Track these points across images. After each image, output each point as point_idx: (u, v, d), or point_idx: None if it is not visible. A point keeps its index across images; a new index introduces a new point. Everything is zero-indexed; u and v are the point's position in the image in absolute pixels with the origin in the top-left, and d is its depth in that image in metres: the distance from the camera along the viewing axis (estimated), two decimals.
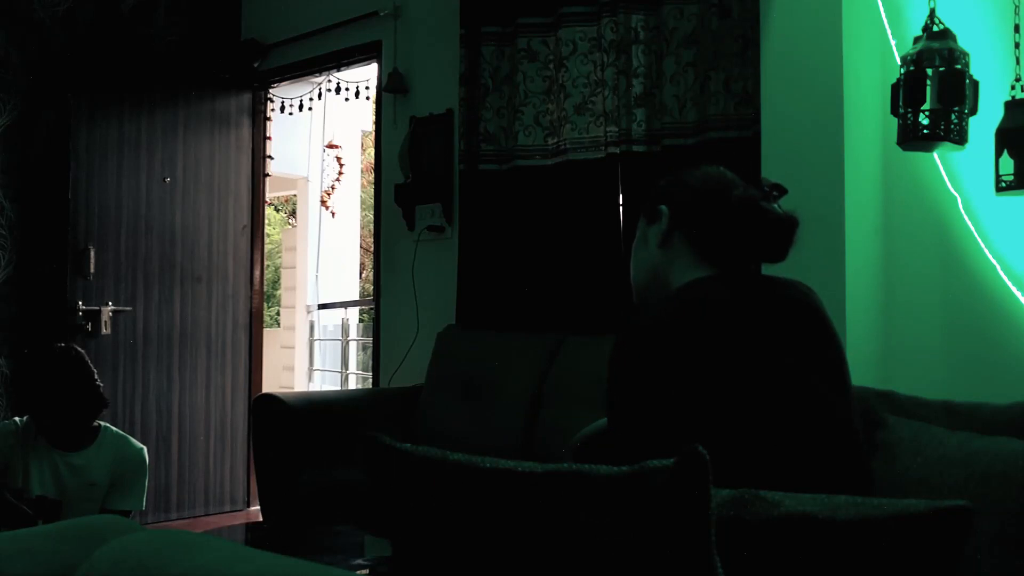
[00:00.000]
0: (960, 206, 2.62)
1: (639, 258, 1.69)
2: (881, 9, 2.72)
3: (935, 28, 2.44)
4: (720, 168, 1.67)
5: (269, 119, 5.06)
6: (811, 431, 1.41)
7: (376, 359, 4.37)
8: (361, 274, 9.61)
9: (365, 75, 4.79)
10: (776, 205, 1.58)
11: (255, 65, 4.91)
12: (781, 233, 1.56)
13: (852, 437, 1.46)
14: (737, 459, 1.26)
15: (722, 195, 1.59)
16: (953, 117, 2.39)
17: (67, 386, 2.88)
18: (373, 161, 5.46)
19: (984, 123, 2.47)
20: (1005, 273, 2.54)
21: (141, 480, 2.98)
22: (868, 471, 1.48)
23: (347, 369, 6.74)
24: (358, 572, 2.15)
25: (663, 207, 1.62)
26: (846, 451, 1.44)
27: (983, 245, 2.58)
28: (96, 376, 2.95)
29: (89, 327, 4.32)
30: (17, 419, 2.94)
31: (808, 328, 1.51)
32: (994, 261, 2.56)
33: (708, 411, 1.39)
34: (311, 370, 6.80)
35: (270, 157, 5.11)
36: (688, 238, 1.60)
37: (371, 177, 6.39)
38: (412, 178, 4.12)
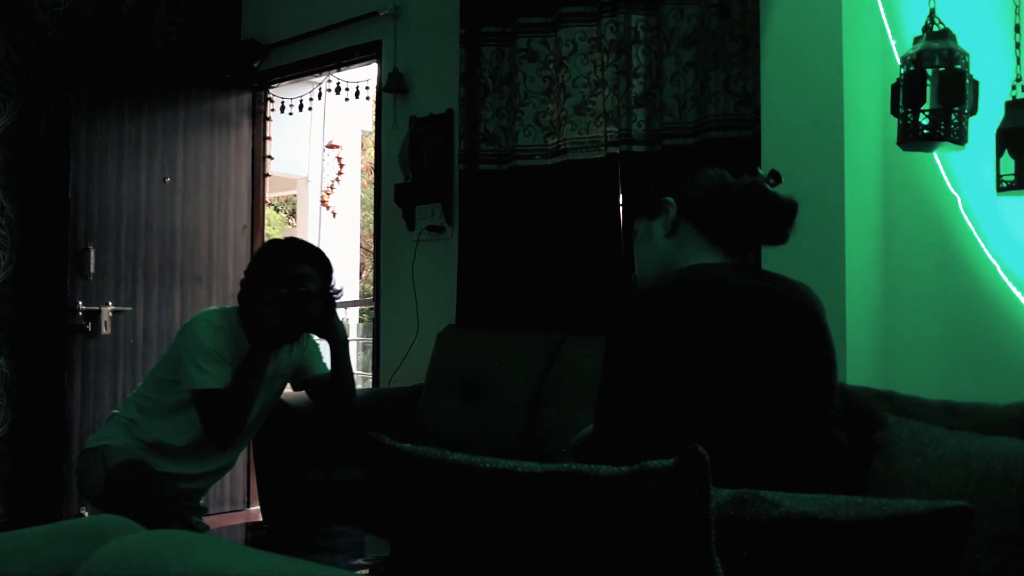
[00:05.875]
0: (960, 206, 2.61)
1: (644, 254, 1.71)
2: (881, 9, 2.72)
3: (935, 28, 2.44)
4: (717, 168, 1.72)
5: (269, 119, 5.06)
6: (783, 427, 1.42)
7: (376, 359, 4.36)
8: (361, 274, 9.60)
9: (365, 75, 4.79)
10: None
11: (255, 65, 4.91)
12: (783, 214, 1.61)
13: (827, 435, 1.46)
14: (716, 453, 1.26)
15: (725, 182, 1.65)
16: (953, 117, 2.39)
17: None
18: (373, 161, 5.46)
19: (984, 123, 2.47)
20: (1005, 273, 2.54)
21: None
22: (844, 470, 1.47)
23: None
24: (358, 572, 2.15)
25: (669, 198, 1.66)
26: (819, 449, 1.44)
27: (983, 245, 2.58)
28: None
29: (89, 327, 4.32)
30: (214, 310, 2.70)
31: (800, 324, 1.52)
32: (994, 261, 2.56)
33: (689, 401, 1.41)
34: None
35: (270, 157, 5.11)
36: (696, 225, 1.63)
37: (371, 177, 6.39)
38: (412, 178, 4.12)
